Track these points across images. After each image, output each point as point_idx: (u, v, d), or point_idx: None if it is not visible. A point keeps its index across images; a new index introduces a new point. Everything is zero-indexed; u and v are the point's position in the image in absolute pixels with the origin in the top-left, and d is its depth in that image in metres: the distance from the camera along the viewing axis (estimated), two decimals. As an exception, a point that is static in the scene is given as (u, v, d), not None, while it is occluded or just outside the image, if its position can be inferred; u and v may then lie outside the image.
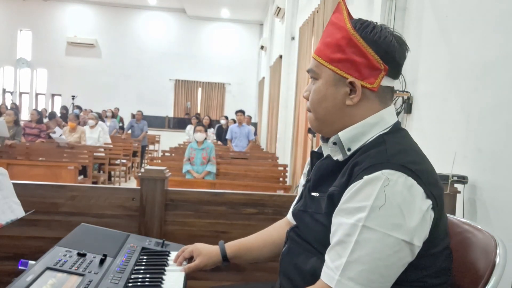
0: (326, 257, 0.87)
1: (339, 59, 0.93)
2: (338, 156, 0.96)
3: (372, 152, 0.89)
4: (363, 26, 0.93)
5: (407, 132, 0.99)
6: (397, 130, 0.95)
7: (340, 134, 0.94)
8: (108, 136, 7.66)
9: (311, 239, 0.97)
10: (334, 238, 0.86)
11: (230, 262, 1.22)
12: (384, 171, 0.83)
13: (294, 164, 6.52)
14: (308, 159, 1.15)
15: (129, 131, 9.42)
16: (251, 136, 7.74)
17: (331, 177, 0.95)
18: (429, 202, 0.84)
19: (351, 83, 0.93)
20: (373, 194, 0.81)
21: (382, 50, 0.92)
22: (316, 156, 1.07)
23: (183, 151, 6.69)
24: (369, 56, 0.91)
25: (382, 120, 0.94)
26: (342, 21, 0.95)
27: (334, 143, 0.96)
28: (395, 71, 0.95)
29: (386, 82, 0.94)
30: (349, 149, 0.94)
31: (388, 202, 0.81)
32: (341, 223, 0.85)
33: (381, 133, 0.93)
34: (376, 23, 0.95)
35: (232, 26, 15.12)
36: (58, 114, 9.36)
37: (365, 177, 0.83)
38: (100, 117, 8.68)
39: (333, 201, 0.90)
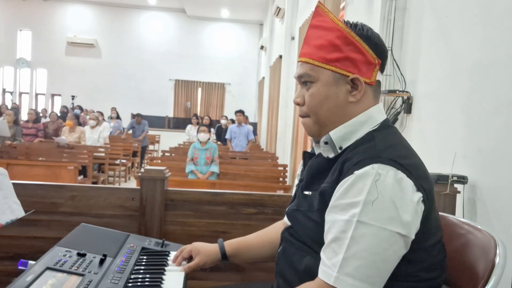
0: (322, 255, 0.87)
1: (337, 58, 0.95)
2: (330, 155, 0.97)
3: (361, 148, 0.90)
4: (353, 25, 0.97)
5: (396, 129, 1.01)
6: (386, 127, 0.97)
7: (331, 133, 0.96)
8: (107, 135, 7.60)
9: (305, 237, 0.98)
10: (329, 236, 0.87)
11: (229, 260, 1.22)
12: (374, 165, 0.84)
13: (294, 164, 6.52)
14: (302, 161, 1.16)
15: (130, 131, 9.41)
16: (251, 136, 7.75)
17: (322, 175, 0.96)
18: (419, 195, 0.85)
19: (352, 80, 0.95)
20: (365, 189, 0.82)
21: (375, 45, 0.96)
22: (309, 156, 1.09)
23: (183, 151, 6.68)
24: (365, 52, 0.95)
25: (371, 118, 0.96)
26: (330, 23, 0.97)
27: (326, 143, 0.97)
28: (383, 64, 1.00)
29: (378, 76, 0.98)
30: (340, 148, 0.96)
31: (380, 196, 0.82)
32: (335, 220, 0.86)
33: (371, 130, 0.95)
34: (358, 22, 0.99)
35: (232, 26, 15.11)
36: (58, 114, 9.35)
37: (356, 172, 0.85)
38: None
39: (325, 198, 0.91)
